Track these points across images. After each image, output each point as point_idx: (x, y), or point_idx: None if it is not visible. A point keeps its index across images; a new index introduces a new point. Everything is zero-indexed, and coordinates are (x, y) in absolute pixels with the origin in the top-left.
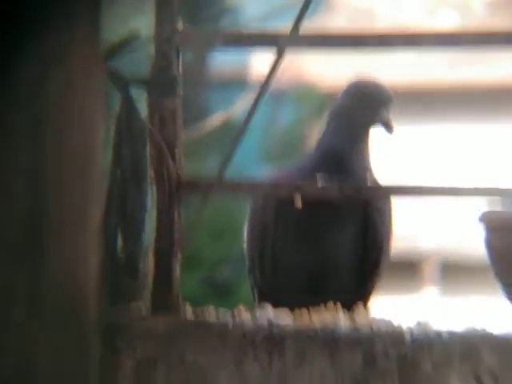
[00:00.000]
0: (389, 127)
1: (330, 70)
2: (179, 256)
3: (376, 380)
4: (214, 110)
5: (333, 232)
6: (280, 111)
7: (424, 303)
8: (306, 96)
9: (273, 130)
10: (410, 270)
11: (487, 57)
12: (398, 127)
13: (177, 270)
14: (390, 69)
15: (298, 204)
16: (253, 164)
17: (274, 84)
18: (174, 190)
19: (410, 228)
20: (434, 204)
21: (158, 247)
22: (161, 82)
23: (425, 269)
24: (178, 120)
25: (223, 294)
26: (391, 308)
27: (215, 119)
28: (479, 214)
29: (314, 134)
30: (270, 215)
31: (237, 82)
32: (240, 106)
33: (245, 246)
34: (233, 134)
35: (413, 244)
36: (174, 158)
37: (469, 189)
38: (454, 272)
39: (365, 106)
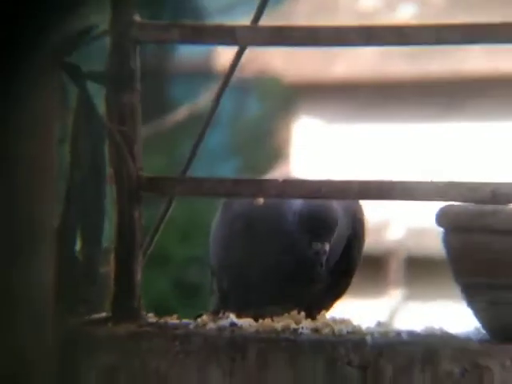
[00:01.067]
0: (317, 260)
1: (294, 62)
2: (140, 259)
3: None
4: (180, 102)
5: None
6: (245, 105)
7: (388, 304)
8: (271, 89)
9: (238, 123)
10: (373, 265)
11: (446, 50)
12: (356, 124)
13: (138, 274)
14: (350, 61)
15: (260, 201)
16: (218, 159)
17: (238, 76)
18: (133, 190)
19: (374, 221)
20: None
21: (119, 250)
22: (118, 77)
23: (390, 264)
24: (137, 116)
25: (192, 293)
26: (355, 310)
27: (181, 112)
28: (436, 210)
29: (280, 127)
30: (238, 223)
31: (201, 73)
32: (206, 98)
33: (210, 250)
34: (199, 127)
35: (377, 238)
36: (133, 156)
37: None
38: (418, 267)
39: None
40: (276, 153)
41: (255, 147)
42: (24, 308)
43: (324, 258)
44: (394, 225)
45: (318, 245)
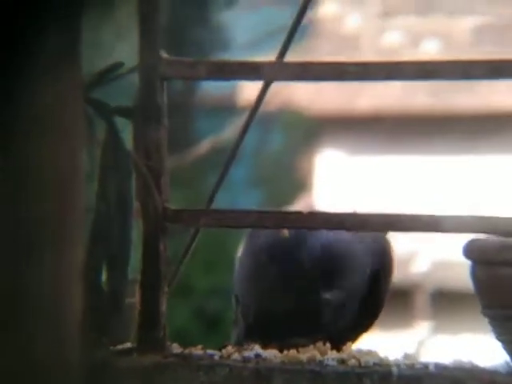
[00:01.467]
0: (324, 309)
1: (318, 95)
2: (166, 290)
3: None
4: (203, 136)
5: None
6: (268, 138)
7: (415, 337)
8: (294, 122)
9: (261, 157)
10: (400, 298)
11: (470, 85)
12: (379, 156)
13: (163, 305)
14: (374, 95)
15: (285, 233)
16: (242, 191)
17: (262, 110)
18: (159, 222)
19: (401, 253)
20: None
21: (144, 281)
22: (145, 112)
23: (416, 297)
24: (163, 150)
25: (214, 324)
26: (382, 343)
27: (205, 145)
28: (464, 243)
29: (303, 159)
30: (263, 254)
31: (226, 108)
32: (229, 131)
33: (235, 280)
34: (223, 160)
35: (404, 270)
36: (159, 189)
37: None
38: (445, 299)
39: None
40: (299, 185)
41: (278, 179)
42: (37, 314)
43: (331, 308)
44: (420, 257)
45: (326, 294)
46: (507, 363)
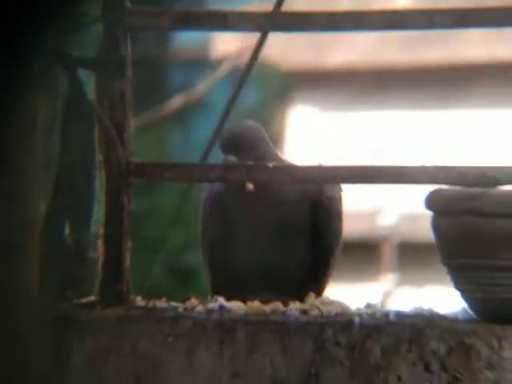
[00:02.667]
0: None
1: (291, 50)
2: (129, 244)
3: (326, 367)
4: (176, 90)
5: (279, 230)
6: (242, 92)
7: (381, 289)
8: (268, 76)
9: (235, 111)
10: (367, 251)
11: (442, 38)
12: (352, 111)
13: (127, 258)
14: (346, 48)
15: (250, 187)
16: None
17: (235, 64)
18: (123, 176)
19: (368, 207)
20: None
21: (107, 234)
22: (109, 63)
23: (383, 250)
24: (127, 103)
25: (187, 280)
26: (349, 294)
27: (177, 100)
28: (425, 193)
29: (277, 114)
30: (220, 209)
31: (199, 61)
32: (202, 86)
33: (200, 235)
34: (195, 114)
35: (371, 224)
36: (123, 142)
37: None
38: (411, 252)
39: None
40: (272, 140)
41: None
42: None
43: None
44: (387, 211)
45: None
46: (465, 310)
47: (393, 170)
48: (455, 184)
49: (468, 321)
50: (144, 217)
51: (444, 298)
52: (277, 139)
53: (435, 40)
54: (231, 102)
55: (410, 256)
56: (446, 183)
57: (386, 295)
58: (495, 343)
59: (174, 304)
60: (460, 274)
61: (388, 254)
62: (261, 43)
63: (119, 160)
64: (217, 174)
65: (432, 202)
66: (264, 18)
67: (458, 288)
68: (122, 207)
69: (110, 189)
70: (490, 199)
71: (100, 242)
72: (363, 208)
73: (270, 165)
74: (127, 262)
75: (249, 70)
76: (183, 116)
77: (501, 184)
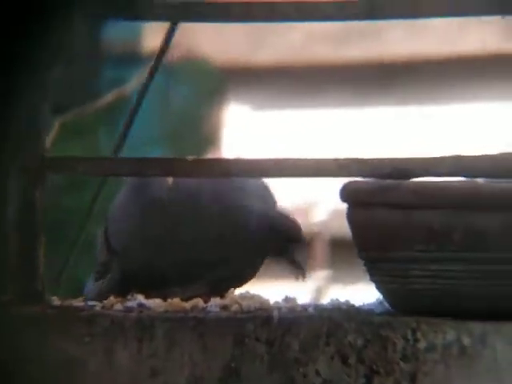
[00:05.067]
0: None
1: (222, 43)
2: (42, 240)
3: (246, 362)
4: (107, 87)
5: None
6: (172, 88)
7: (312, 285)
8: (199, 72)
9: (165, 111)
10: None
11: (373, 32)
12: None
13: (40, 255)
14: (280, 42)
15: (169, 182)
16: (146, 147)
17: (165, 59)
18: (37, 170)
19: (299, 203)
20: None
21: (20, 231)
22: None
23: (314, 246)
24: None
25: None
26: (279, 292)
27: (109, 96)
28: (340, 186)
29: (210, 112)
30: (155, 206)
31: (130, 57)
32: (135, 81)
33: (112, 230)
34: (125, 110)
35: (302, 220)
36: (38, 136)
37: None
38: (343, 248)
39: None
40: (207, 140)
41: (185, 133)
42: None
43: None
44: (318, 207)
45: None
46: (381, 303)
47: (309, 162)
48: (369, 176)
49: (384, 313)
50: (72, 214)
51: (373, 294)
52: (212, 138)
53: (365, 35)
54: (142, 94)
55: (342, 252)
56: (360, 175)
57: (318, 292)
58: (410, 335)
59: (91, 303)
60: (375, 266)
61: (319, 250)
62: (170, 33)
63: (34, 154)
64: (132, 168)
65: (346, 193)
66: (173, 8)
67: (373, 280)
68: (35, 203)
69: (23, 183)
70: (404, 191)
71: (11, 239)
72: (294, 204)
73: (190, 158)
74: (41, 259)
75: (156, 63)
76: (114, 112)
77: (414, 176)
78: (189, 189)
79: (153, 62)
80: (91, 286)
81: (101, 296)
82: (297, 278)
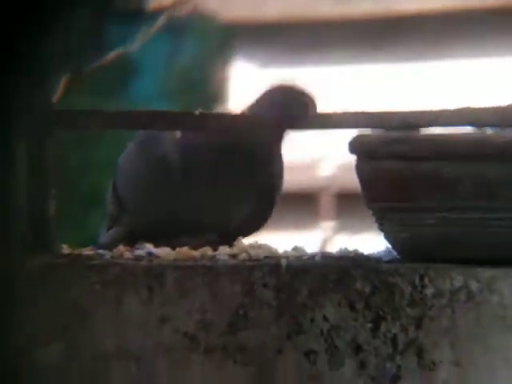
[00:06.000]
0: None
1: (224, 4)
2: (52, 193)
3: (254, 308)
4: (113, 44)
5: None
6: (180, 46)
7: (320, 236)
8: (206, 29)
9: (173, 65)
10: (306, 201)
11: None
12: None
13: (51, 209)
14: (281, 2)
15: (177, 135)
16: (153, 102)
17: (172, 17)
18: (46, 124)
19: (307, 158)
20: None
21: (31, 184)
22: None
23: (322, 199)
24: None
25: None
26: (288, 242)
27: (113, 54)
28: (347, 140)
29: (217, 69)
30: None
31: (134, 14)
32: (139, 39)
33: (122, 184)
34: (131, 69)
35: (310, 174)
36: (46, 90)
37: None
38: (349, 201)
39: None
40: (213, 97)
41: (191, 92)
42: None
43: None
44: (325, 162)
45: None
46: (389, 251)
47: (317, 117)
48: (377, 128)
49: (391, 261)
50: (82, 168)
51: (378, 243)
52: (219, 96)
53: None
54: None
55: (348, 205)
56: (369, 127)
57: (325, 242)
58: (417, 281)
59: (100, 251)
60: (384, 216)
61: (326, 203)
62: None
63: (41, 106)
64: (143, 122)
65: (355, 146)
66: None
67: (382, 229)
68: (44, 156)
69: (31, 138)
70: (412, 143)
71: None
72: (301, 159)
73: (197, 112)
74: (52, 210)
75: (161, 20)
76: (119, 71)
77: (422, 127)
78: (195, 143)
79: (155, 20)
80: (103, 235)
81: (110, 245)
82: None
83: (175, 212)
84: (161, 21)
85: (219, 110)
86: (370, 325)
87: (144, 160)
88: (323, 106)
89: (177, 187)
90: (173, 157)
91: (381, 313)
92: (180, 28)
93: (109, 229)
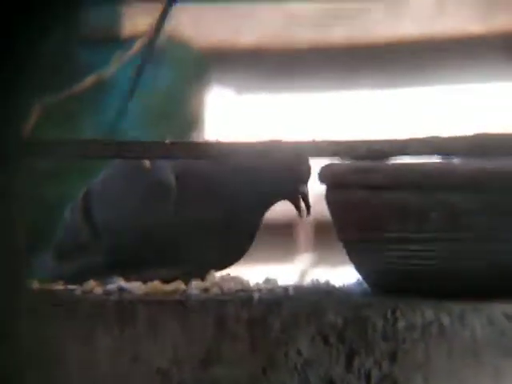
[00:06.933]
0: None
1: (203, 26)
2: (23, 230)
3: (227, 344)
4: (88, 70)
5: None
6: (155, 73)
7: (297, 268)
8: (182, 56)
9: (148, 93)
10: (282, 232)
11: (351, 17)
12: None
13: (21, 242)
14: (257, 25)
15: (147, 165)
16: (131, 131)
17: (147, 43)
18: (15, 153)
19: None
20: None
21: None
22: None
23: (299, 229)
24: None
25: None
26: (265, 275)
27: (87, 80)
28: (318, 169)
29: (193, 96)
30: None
31: (111, 40)
32: (114, 66)
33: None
34: (105, 96)
35: (286, 203)
36: (16, 120)
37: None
38: (326, 231)
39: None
40: (189, 124)
41: (168, 116)
42: None
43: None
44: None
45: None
46: (360, 283)
47: (288, 145)
48: (346, 158)
49: (363, 293)
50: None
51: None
52: (194, 122)
53: (344, 17)
54: (135, 80)
55: (326, 235)
56: (337, 157)
57: (303, 275)
58: (389, 314)
59: (71, 286)
60: (353, 247)
61: (304, 233)
62: (163, 15)
63: (14, 136)
64: (112, 151)
65: (323, 175)
66: None
67: (352, 261)
68: (15, 187)
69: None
70: (380, 172)
71: None
72: None
73: (167, 141)
74: (22, 244)
75: (152, 43)
76: (93, 96)
77: (390, 157)
78: (195, 172)
79: (147, 43)
80: (49, 264)
81: (78, 277)
82: (302, 216)
83: (159, 240)
84: (136, 46)
85: (195, 137)
86: (344, 359)
87: (137, 186)
88: (298, 134)
89: (168, 216)
90: (169, 184)
91: (354, 346)
92: (155, 55)
93: (71, 259)
